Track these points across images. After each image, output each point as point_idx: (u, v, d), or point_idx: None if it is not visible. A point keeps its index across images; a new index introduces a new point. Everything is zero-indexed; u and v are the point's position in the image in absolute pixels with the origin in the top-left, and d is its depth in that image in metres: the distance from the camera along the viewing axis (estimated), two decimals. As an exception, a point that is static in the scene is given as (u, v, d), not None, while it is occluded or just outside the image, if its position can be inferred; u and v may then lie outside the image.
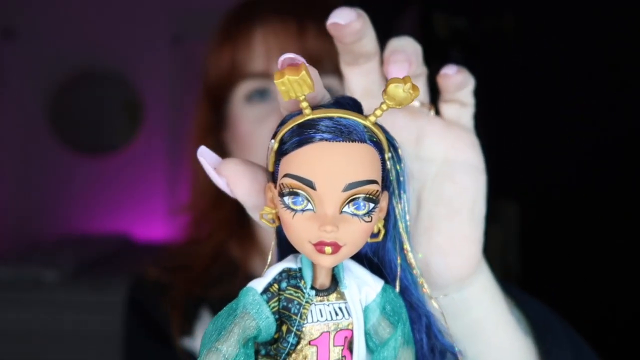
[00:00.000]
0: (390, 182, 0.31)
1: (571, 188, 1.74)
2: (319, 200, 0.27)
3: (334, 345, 0.29)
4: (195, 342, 0.74)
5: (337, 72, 0.69)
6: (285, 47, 0.68)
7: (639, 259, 1.50)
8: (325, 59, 0.68)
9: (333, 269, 0.30)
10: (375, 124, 0.29)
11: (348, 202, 0.27)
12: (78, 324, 2.16)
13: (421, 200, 0.39)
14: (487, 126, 2.21)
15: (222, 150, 0.79)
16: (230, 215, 0.78)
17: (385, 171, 0.30)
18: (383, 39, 0.40)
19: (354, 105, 0.30)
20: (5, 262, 2.50)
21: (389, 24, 2.12)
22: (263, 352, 0.30)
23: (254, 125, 0.70)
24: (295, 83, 0.27)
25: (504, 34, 2.01)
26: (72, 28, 3.56)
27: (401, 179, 0.31)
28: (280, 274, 0.30)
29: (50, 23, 3.53)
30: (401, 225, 0.32)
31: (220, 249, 0.78)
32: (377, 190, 0.28)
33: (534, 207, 1.93)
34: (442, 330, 0.32)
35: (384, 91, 0.28)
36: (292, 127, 0.29)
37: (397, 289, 0.32)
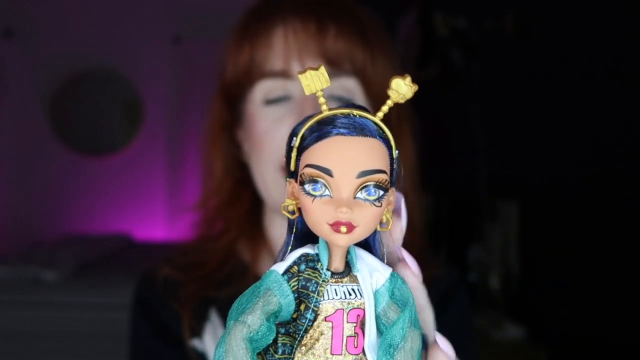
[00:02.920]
0: (397, 177, 0.34)
1: (571, 188, 1.74)
2: (336, 186, 0.31)
3: (347, 322, 0.32)
4: (203, 343, 0.73)
5: (356, 73, 0.69)
6: (305, 47, 0.68)
7: (639, 259, 1.50)
8: (344, 60, 0.68)
9: (347, 255, 0.33)
10: (384, 123, 0.33)
11: (361, 189, 0.31)
12: (78, 324, 2.17)
13: None
14: (487, 126, 2.20)
15: (236, 148, 0.79)
16: (243, 214, 0.78)
17: (392, 167, 0.33)
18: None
19: (363, 108, 0.34)
20: (5, 262, 2.50)
21: (389, 24, 2.12)
22: (282, 330, 0.32)
23: (270, 125, 0.69)
24: (316, 76, 0.31)
25: (504, 34, 2.01)
26: (72, 28, 3.56)
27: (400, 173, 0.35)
28: (299, 257, 0.33)
29: (51, 23, 3.53)
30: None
31: (231, 248, 0.78)
32: (386, 180, 0.32)
33: (534, 207, 1.93)
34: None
35: (389, 87, 0.32)
36: (311, 125, 0.32)
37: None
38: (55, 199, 3.61)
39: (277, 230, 0.76)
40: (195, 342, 0.73)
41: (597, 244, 1.64)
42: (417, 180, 0.78)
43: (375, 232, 0.35)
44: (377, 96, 0.69)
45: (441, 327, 0.79)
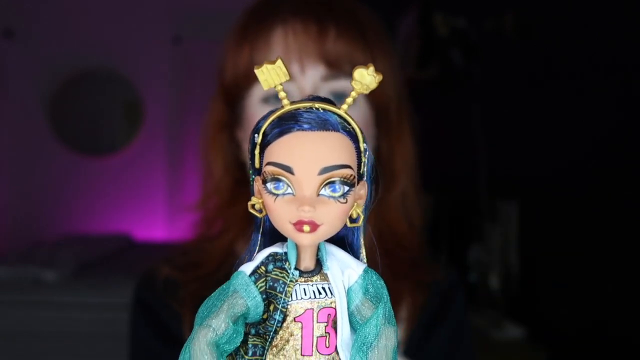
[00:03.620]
0: (368, 171, 0.33)
1: (571, 188, 1.74)
2: (298, 184, 0.30)
3: (317, 322, 0.31)
4: None
5: None
6: (305, 48, 0.68)
7: (639, 259, 1.50)
8: (344, 61, 0.68)
9: (317, 253, 0.32)
10: (350, 116, 0.32)
11: (324, 185, 0.30)
12: (78, 324, 2.17)
13: None
14: (487, 126, 2.20)
15: (236, 148, 0.79)
16: (242, 214, 0.78)
17: (361, 160, 0.32)
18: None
19: (329, 101, 0.33)
20: (5, 262, 2.50)
21: (389, 24, 2.11)
22: (253, 331, 0.32)
23: None
24: (273, 71, 0.31)
25: (504, 34, 2.01)
26: (72, 28, 3.56)
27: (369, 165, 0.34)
28: (267, 257, 0.32)
29: (51, 23, 3.53)
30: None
31: (231, 248, 0.78)
32: (352, 175, 0.31)
33: (534, 207, 1.93)
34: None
35: (352, 78, 0.32)
36: (272, 120, 0.31)
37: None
38: (55, 199, 3.61)
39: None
40: None
41: (597, 243, 1.64)
42: (417, 179, 0.78)
43: (353, 228, 0.34)
44: (377, 98, 0.69)
45: (442, 330, 0.79)
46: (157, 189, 3.65)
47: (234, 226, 0.78)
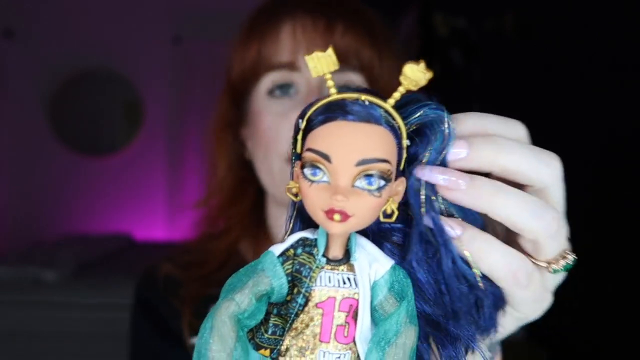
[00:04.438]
0: (407, 167, 0.33)
1: (571, 188, 1.74)
2: (334, 173, 0.30)
3: (338, 310, 0.31)
4: None
5: (362, 70, 0.70)
6: (313, 42, 0.68)
7: (639, 259, 1.50)
8: (351, 56, 0.69)
9: (347, 243, 0.32)
10: (396, 111, 0.32)
11: (361, 177, 0.30)
12: (78, 324, 2.17)
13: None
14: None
15: (240, 147, 0.79)
16: (245, 213, 0.78)
17: (401, 156, 0.32)
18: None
19: (376, 93, 0.33)
20: (5, 262, 2.50)
21: (389, 24, 2.11)
22: (275, 311, 0.32)
23: (276, 119, 0.69)
24: (323, 59, 0.31)
25: (504, 34, 2.01)
26: (72, 28, 3.56)
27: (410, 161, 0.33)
28: (297, 241, 0.32)
29: (51, 23, 3.53)
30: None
31: (234, 248, 0.78)
32: (389, 170, 0.30)
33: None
34: (463, 258, 0.34)
35: (401, 74, 0.31)
36: (318, 108, 0.31)
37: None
38: (55, 199, 3.61)
39: (281, 229, 0.76)
40: (196, 341, 0.73)
41: (597, 243, 1.64)
42: None
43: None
44: (383, 93, 0.69)
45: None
46: (157, 189, 3.66)
47: (236, 225, 0.77)
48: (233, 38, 0.76)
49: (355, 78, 0.69)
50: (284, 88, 0.70)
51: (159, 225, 3.64)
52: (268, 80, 0.70)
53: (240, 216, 0.77)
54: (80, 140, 3.68)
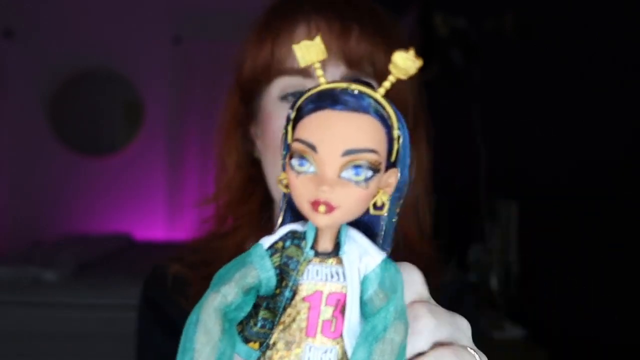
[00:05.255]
0: (399, 159, 0.32)
1: (571, 188, 1.74)
2: (321, 163, 0.29)
3: (325, 305, 0.31)
4: None
5: (376, 76, 0.68)
6: (327, 46, 0.67)
7: (639, 259, 1.50)
8: (365, 62, 0.68)
9: (337, 235, 0.32)
10: (388, 101, 0.32)
11: (348, 168, 0.29)
12: (78, 324, 2.17)
13: None
14: (487, 126, 2.19)
15: (249, 144, 0.78)
16: (254, 211, 0.77)
17: (392, 147, 0.32)
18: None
19: (367, 83, 0.32)
20: (5, 262, 2.50)
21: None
22: (264, 305, 0.32)
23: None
24: (312, 48, 0.31)
25: (504, 34, 2.01)
26: (72, 28, 3.56)
27: (401, 153, 0.33)
28: (286, 234, 0.32)
29: (51, 23, 3.54)
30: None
31: (242, 247, 0.76)
32: (377, 160, 0.30)
33: (533, 207, 1.93)
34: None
35: (391, 63, 0.31)
36: (308, 97, 0.31)
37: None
38: (55, 199, 3.61)
39: None
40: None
41: (597, 244, 1.64)
42: (430, 186, 0.77)
43: (380, 217, 0.33)
44: (395, 100, 0.68)
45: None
46: (157, 189, 3.66)
47: (245, 224, 0.77)
48: (243, 35, 0.75)
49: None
50: (296, 95, 0.70)
51: (159, 225, 3.64)
52: (280, 84, 0.69)
53: (249, 214, 0.77)
54: (80, 140, 3.68)
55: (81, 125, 3.71)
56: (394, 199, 0.34)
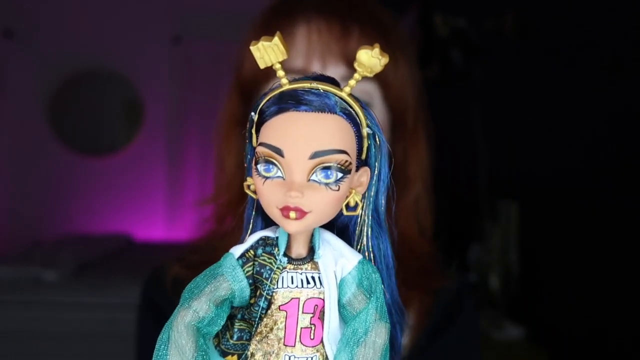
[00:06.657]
0: (370, 157, 0.31)
1: (571, 188, 1.74)
2: (288, 168, 0.28)
3: (302, 312, 0.30)
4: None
5: (376, 77, 0.69)
6: (328, 47, 0.67)
7: (639, 259, 1.50)
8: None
9: (311, 240, 0.31)
10: (354, 98, 0.30)
11: (317, 171, 0.28)
12: (78, 324, 2.17)
13: None
14: (487, 126, 2.19)
15: (247, 145, 0.77)
16: None
17: (362, 146, 0.30)
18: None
19: (331, 81, 0.31)
20: (5, 262, 2.50)
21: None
22: (240, 315, 0.31)
23: None
24: (269, 48, 0.29)
25: (504, 34, 2.01)
26: (72, 28, 3.56)
27: (373, 151, 0.32)
28: (257, 241, 0.31)
29: (51, 24, 3.54)
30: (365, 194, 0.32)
31: None
32: (347, 161, 0.29)
33: (534, 207, 1.93)
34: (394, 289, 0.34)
35: (355, 60, 0.30)
36: (269, 99, 0.30)
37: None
38: (55, 199, 3.61)
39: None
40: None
41: (597, 243, 1.64)
42: (430, 186, 0.77)
43: (354, 217, 0.32)
44: (396, 100, 0.68)
45: (447, 338, 0.78)
46: (157, 189, 3.65)
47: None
48: (243, 35, 0.75)
49: (368, 86, 0.68)
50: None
51: (158, 225, 3.64)
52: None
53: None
54: (80, 140, 3.68)
55: (81, 125, 3.71)
56: (377, 191, 0.32)
